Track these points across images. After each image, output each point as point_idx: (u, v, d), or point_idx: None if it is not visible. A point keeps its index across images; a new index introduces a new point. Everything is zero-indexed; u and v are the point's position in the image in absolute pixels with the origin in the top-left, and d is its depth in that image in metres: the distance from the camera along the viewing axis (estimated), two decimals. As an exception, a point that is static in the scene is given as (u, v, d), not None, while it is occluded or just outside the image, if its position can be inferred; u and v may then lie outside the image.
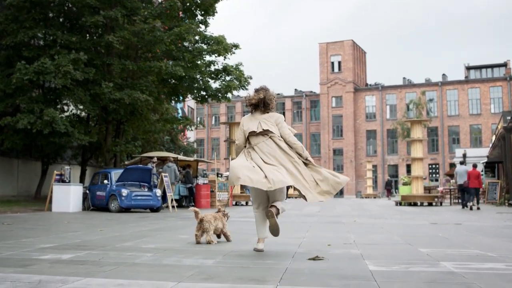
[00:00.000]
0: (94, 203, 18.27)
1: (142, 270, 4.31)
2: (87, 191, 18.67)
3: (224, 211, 6.74)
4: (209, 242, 6.37)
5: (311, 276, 4.02)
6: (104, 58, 21.02)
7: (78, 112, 22.76)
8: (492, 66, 71.44)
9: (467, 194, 20.27)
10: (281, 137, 5.61)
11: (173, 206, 18.06)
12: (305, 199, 5.31)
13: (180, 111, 40.94)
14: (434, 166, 68.51)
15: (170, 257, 5.10)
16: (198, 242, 6.45)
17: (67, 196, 17.21)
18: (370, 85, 77.65)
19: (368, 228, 9.67)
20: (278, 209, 5.40)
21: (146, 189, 17.58)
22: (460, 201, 22.96)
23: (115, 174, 17.78)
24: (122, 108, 20.72)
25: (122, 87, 20.81)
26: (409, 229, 9.55)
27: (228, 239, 6.73)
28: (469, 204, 19.49)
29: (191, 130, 32.93)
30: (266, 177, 5.18)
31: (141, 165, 20.00)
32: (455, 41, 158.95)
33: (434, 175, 67.15)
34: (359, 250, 5.83)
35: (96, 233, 8.06)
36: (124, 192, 16.67)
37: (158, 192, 17.44)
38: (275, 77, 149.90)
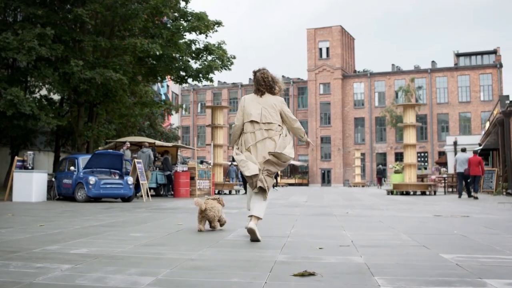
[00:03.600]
0: (60, 192, 16.67)
1: (29, 300, 2.75)
2: (53, 179, 17.05)
3: (218, 198, 6.50)
4: (214, 227, 6.39)
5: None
6: (74, 34, 19.26)
7: (48, 93, 20.98)
8: (481, 53, 70.25)
9: (467, 182, 18.90)
10: (284, 121, 5.58)
11: (148, 195, 16.54)
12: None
13: (163, 96, 39.18)
14: (423, 154, 67.38)
15: (93, 272, 3.54)
16: (200, 230, 6.28)
17: (29, 184, 15.57)
18: (358, 71, 76.23)
19: (364, 222, 8.18)
20: (258, 219, 5.36)
21: (117, 177, 15.99)
22: (457, 189, 21.59)
23: (83, 160, 16.15)
24: (93, 88, 19.03)
25: (94, 65, 19.11)
26: (413, 223, 8.07)
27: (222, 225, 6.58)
28: (473, 194, 18.08)
29: (172, 114, 31.25)
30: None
31: (111, 150, 18.34)
32: (444, 29, 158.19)
33: (423, 164, 66.02)
34: (361, 257, 4.32)
35: (30, 230, 6.48)
36: (92, 179, 15.07)
37: (130, 180, 15.84)
38: (261, 63, 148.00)
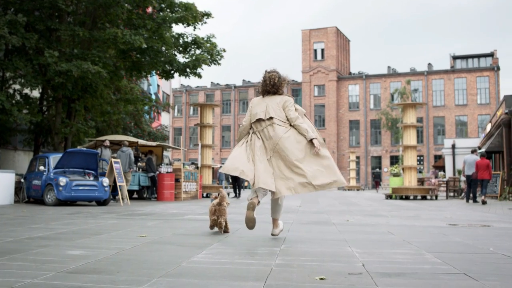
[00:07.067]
0: (30, 194, 15.17)
1: None
2: (22, 180, 15.54)
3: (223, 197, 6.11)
4: (225, 231, 6.28)
5: None
6: (49, 23, 17.75)
7: (21, 87, 19.44)
8: (478, 56, 69.14)
9: (473, 186, 17.55)
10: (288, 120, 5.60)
11: (127, 199, 15.05)
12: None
13: (153, 96, 37.56)
14: (418, 157, 66.05)
15: None
16: (219, 227, 6.19)
17: (-6, 185, 14.07)
18: (353, 73, 74.91)
19: (371, 234, 6.72)
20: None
21: (91, 178, 14.47)
22: (464, 194, 20.25)
23: (54, 159, 14.63)
24: (69, 82, 17.52)
25: (71, 57, 17.62)
26: (430, 236, 6.61)
27: (226, 230, 6.30)
28: (480, 198, 16.77)
29: (159, 113, 29.71)
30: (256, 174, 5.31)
31: (84, 148, 16.82)
32: (441, 32, 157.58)
33: (418, 167, 64.72)
34: (384, 297, 2.86)
35: None
36: (62, 181, 13.56)
37: (106, 181, 14.32)
38: (256, 66, 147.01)
